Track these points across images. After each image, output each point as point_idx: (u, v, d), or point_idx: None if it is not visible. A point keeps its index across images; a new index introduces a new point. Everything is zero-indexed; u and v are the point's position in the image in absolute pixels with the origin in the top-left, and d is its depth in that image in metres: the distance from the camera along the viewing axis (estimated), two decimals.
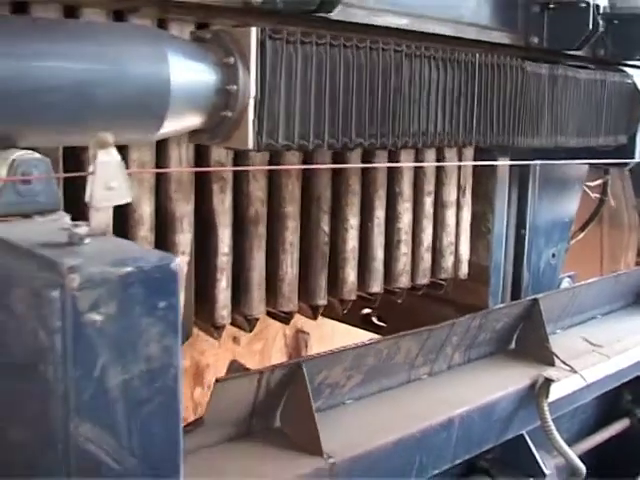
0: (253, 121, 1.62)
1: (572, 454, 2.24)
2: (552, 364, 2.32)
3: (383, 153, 2.25)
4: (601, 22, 2.35)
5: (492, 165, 2.55)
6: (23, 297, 1.13)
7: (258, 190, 2.00)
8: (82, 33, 1.44)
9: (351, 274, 2.24)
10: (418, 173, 2.38)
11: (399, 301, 2.51)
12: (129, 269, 1.11)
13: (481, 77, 2.09)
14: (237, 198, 1.98)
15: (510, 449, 2.36)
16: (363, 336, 3.08)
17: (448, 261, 2.52)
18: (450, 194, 2.48)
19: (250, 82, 1.61)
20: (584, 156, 2.63)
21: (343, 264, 2.22)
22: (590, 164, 2.79)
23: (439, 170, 2.44)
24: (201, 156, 1.91)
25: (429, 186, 2.41)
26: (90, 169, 1.15)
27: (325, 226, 2.15)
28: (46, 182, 1.37)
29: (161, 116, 1.51)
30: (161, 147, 1.82)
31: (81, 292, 1.06)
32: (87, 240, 1.18)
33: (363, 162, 2.20)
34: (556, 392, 2.23)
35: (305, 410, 1.78)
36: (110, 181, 1.16)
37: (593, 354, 2.44)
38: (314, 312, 2.22)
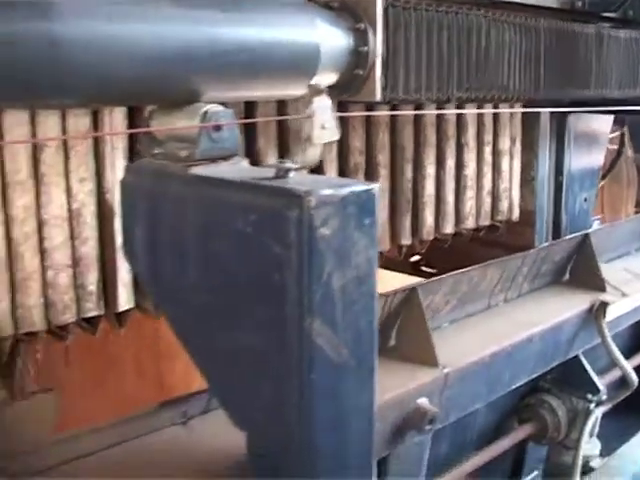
0: (380, 78, 1.88)
1: (628, 366, 2.56)
2: (604, 290, 2.64)
3: (450, 107, 2.52)
4: None
5: (536, 113, 2.84)
6: (254, 221, 1.36)
7: (357, 141, 2.26)
8: (254, 5, 1.68)
9: (429, 217, 2.52)
10: (479, 126, 2.67)
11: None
12: (347, 192, 1.36)
13: (545, 39, 2.37)
14: (340, 148, 2.24)
15: (567, 370, 2.67)
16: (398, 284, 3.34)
17: (504, 205, 2.82)
18: (504, 143, 2.77)
19: (377, 44, 1.87)
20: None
21: (422, 208, 2.50)
22: (629, 112, 3.08)
23: (495, 122, 2.73)
24: None
25: (488, 136, 2.71)
26: (306, 113, 1.40)
27: (409, 174, 2.42)
28: (231, 130, 1.61)
29: (312, 74, 1.76)
30: (282, 103, 2.06)
31: (316, 211, 1.30)
32: (291, 174, 1.43)
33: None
34: (610, 314, 2.55)
35: (421, 328, 2.06)
36: (325, 122, 1.41)
37: (637, 282, 2.76)
38: (399, 251, 2.50)
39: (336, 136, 1.45)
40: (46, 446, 1.60)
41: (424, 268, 3.38)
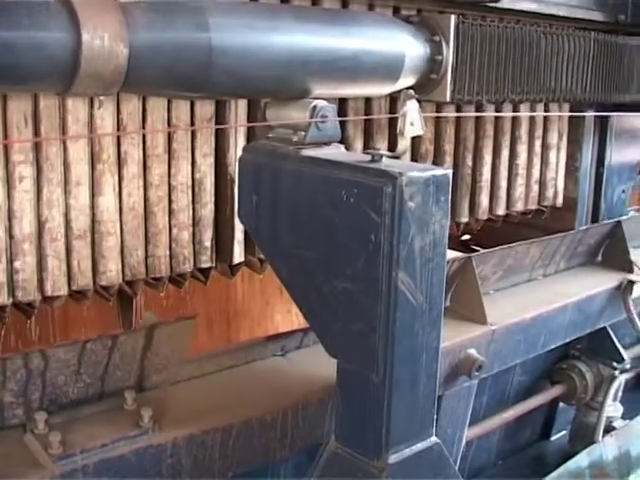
0: (450, 82, 2.28)
1: None
2: (632, 271, 3.03)
3: (508, 106, 2.91)
4: None
5: (581, 116, 3.22)
6: (357, 193, 1.72)
7: (428, 132, 2.65)
8: (354, 20, 2.09)
9: (484, 199, 2.92)
10: (531, 122, 3.05)
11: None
12: (429, 175, 1.74)
13: (591, 49, 2.75)
14: (414, 137, 2.63)
15: (596, 340, 3.07)
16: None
17: (550, 192, 3.21)
18: (553, 138, 3.16)
19: (449, 53, 2.27)
20: None
21: (479, 191, 2.90)
22: None
23: (546, 119, 3.11)
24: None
25: (538, 131, 3.09)
26: (400, 112, 1.80)
27: (469, 161, 2.82)
28: (333, 121, 2.00)
29: (397, 77, 2.16)
30: (368, 99, 2.47)
31: (406, 188, 1.67)
32: (383, 159, 1.81)
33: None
34: (636, 292, 2.94)
35: (474, 292, 2.46)
36: (413, 120, 1.81)
37: None
38: (458, 228, 2.90)
39: (421, 132, 1.85)
40: (179, 364, 2.03)
41: (473, 247, 3.77)
